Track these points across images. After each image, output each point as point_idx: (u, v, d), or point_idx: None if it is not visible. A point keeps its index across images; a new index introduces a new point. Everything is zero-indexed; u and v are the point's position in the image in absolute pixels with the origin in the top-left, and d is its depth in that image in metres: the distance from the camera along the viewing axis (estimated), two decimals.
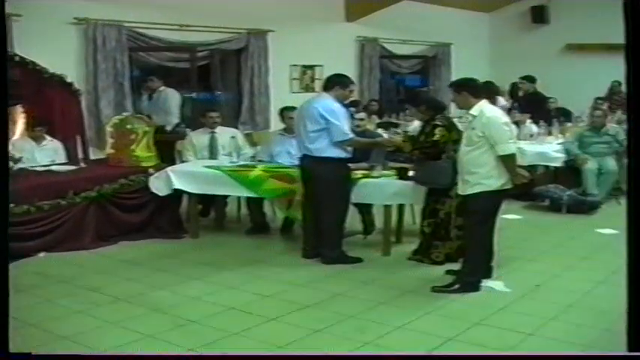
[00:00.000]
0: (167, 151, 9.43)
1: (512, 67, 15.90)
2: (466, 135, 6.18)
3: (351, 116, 7.68)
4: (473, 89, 6.17)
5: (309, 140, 6.90)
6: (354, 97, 7.97)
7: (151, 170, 8.18)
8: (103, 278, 6.57)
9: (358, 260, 7.15)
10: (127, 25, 10.10)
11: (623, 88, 14.12)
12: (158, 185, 8.02)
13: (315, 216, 7.19)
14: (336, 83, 7.02)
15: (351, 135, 6.96)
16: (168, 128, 10.14)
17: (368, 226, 8.17)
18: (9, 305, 3.56)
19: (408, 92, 16.54)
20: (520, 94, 13.41)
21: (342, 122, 6.88)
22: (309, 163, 7.03)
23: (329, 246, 7.14)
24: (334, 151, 6.89)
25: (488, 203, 6.09)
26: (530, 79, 13.23)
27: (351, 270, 6.89)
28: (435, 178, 6.82)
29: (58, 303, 5.84)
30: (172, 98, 10.40)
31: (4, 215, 3.66)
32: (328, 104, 6.86)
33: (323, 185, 6.97)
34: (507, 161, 5.98)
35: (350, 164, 7.25)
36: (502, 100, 12.92)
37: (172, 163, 8.91)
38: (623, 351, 4.12)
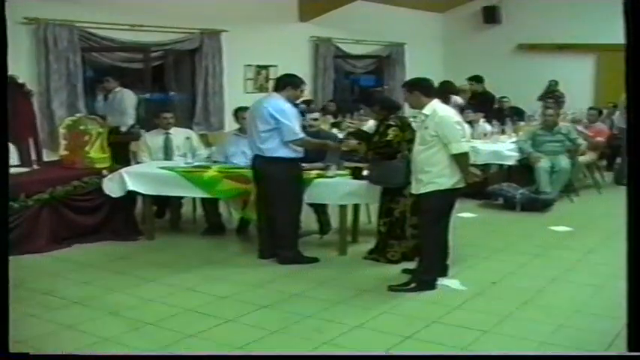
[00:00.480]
0: (121, 152, 9.36)
1: (465, 67, 16.03)
2: (419, 134, 6.21)
3: (302, 115, 7.67)
4: (425, 89, 6.21)
5: (260, 140, 6.90)
6: (306, 96, 7.98)
7: (104, 172, 8.09)
8: (56, 281, 6.49)
9: (314, 260, 7.15)
10: (78, 25, 9.97)
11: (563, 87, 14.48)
12: (112, 187, 7.94)
13: (269, 216, 7.19)
14: (287, 83, 7.03)
15: (302, 135, 6.96)
16: (124, 129, 10.05)
17: (324, 226, 8.17)
18: (9, 306, 3.65)
19: (363, 92, 16.60)
20: (467, 95, 13.52)
21: (293, 122, 6.88)
22: (260, 164, 7.02)
23: (284, 246, 7.13)
24: (285, 151, 6.90)
25: (442, 202, 6.12)
26: (478, 79, 13.38)
27: (307, 270, 6.89)
28: (389, 177, 6.83)
29: (10, 307, 5.75)
30: (128, 99, 10.31)
31: (3, 215, 3.73)
32: (279, 104, 6.86)
33: (275, 185, 6.97)
34: (460, 160, 6.02)
35: (305, 164, 7.28)
36: (458, 99, 13.02)
37: (127, 164, 8.83)
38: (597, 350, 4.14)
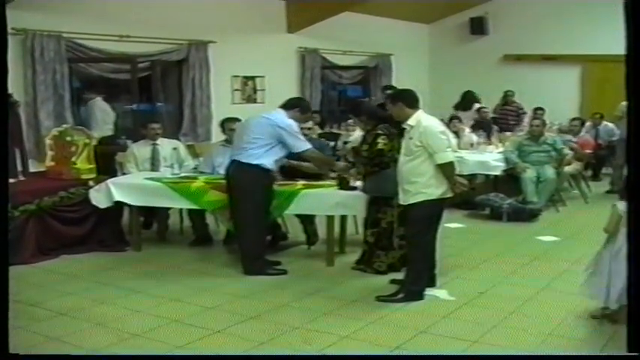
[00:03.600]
0: (107, 163, 9.32)
1: (451, 77, 16.15)
2: (404, 145, 6.21)
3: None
4: (408, 100, 6.20)
5: (247, 147, 6.95)
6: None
7: (91, 183, 8.07)
8: (43, 293, 6.45)
9: (282, 272, 7.15)
10: (65, 35, 9.94)
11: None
12: (98, 198, 7.92)
13: (235, 224, 7.27)
14: (297, 105, 7.24)
15: (310, 145, 7.14)
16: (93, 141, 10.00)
17: (311, 237, 8.16)
18: (9, 306, 3.64)
19: (350, 102, 16.58)
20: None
21: (299, 135, 7.07)
22: (232, 170, 7.09)
23: (248, 257, 7.15)
24: (267, 161, 6.97)
25: (429, 212, 6.12)
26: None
27: (294, 281, 6.88)
28: (383, 187, 6.77)
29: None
30: (98, 110, 10.33)
31: (3, 216, 3.76)
32: (284, 119, 7.03)
33: (241, 193, 7.03)
34: (446, 169, 6.03)
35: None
36: (478, 106, 13.28)
37: (114, 175, 8.80)
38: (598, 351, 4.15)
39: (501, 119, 14.28)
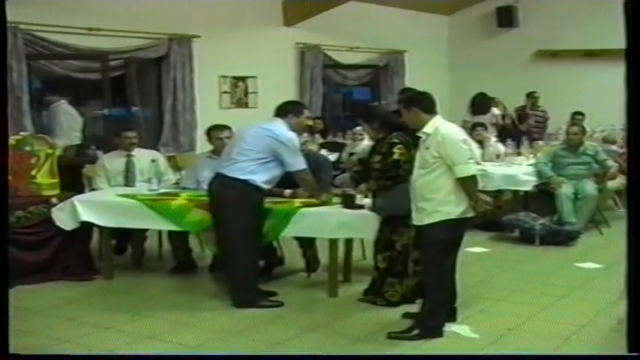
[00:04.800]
0: (73, 177, 9.30)
1: (475, 77, 16.10)
2: (419, 156, 6.17)
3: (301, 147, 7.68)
4: (423, 104, 6.16)
5: (236, 159, 6.96)
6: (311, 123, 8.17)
7: (54, 200, 8.04)
8: None
9: (277, 305, 7.12)
10: (23, 27, 9.93)
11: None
12: (63, 218, 7.89)
13: (221, 251, 7.28)
14: (288, 111, 7.21)
15: (306, 166, 7.18)
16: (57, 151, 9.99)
17: (311, 263, 8.11)
18: (9, 306, 3.92)
19: (360, 106, 16.58)
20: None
21: (298, 152, 7.11)
22: (215, 186, 7.12)
23: (238, 287, 7.13)
24: (259, 177, 6.96)
25: (448, 234, 6.06)
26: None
27: (292, 314, 6.84)
28: (399, 203, 6.65)
29: None
30: (64, 115, 10.32)
31: (3, 218, 4.06)
32: (284, 132, 7.03)
33: (226, 212, 7.01)
34: (467, 184, 5.97)
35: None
36: (495, 110, 13.45)
37: (81, 191, 8.79)
38: None
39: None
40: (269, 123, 7.16)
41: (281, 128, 7.04)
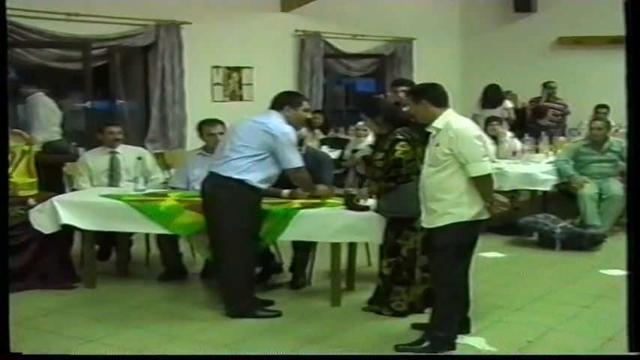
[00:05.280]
0: (53, 176, 9.31)
1: (489, 68, 16.09)
2: (429, 153, 6.16)
3: (300, 142, 7.66)
4: (434, 97, 6.16)
5: (229, 156, 6.96)
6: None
7: (31, 201, 8.05)
8: None
9: (275, 314, 7.13)
10: None
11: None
12: (41, 220, 7.88)
13: (214, 256, 7.30)
14: (284, 102, 7.20)
15: (302, 164, 7.17)
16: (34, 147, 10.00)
17: (297, 277, 8.06)
18: (9, 305, 4.10)
19: (363, 99, 16.57)
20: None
21: (295, 147, 7.10)
22: (208, 186, 7.12)
23: (233, 295, 7.13)
24: (253, 177, 6.95)
25: (461, 238, 6.05)
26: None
27: (291, 325, 6.85)
28: (404, 205, 6.70)
29: None
30: (42, 108, 10.32)
31: (4, 215, 4.25)
32: (281, 126, 7.02)
33: (220, 214, 7.01)
34: (482, 184, 5.96)
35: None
36: (508, 104, 13.69)
37: (61, 191, 8.80)
38: None
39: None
40: (264, 116, 7.15)
41: (276, 121, 7.04)
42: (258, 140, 6.96)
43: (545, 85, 14.88)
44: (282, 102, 7.21)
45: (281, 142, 6.95)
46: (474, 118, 11.46)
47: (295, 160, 7.08)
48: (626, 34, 3.59)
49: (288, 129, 7.03)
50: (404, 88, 8.63)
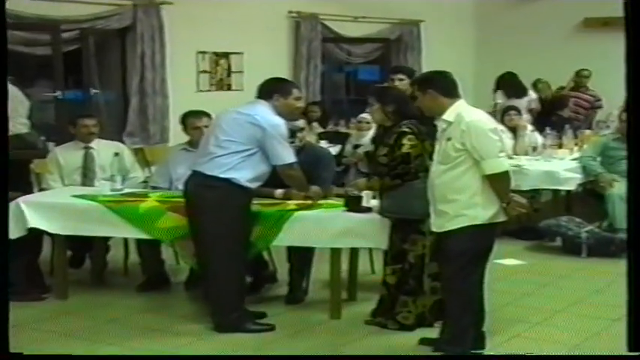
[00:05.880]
0: (19, 174, 9.31)
1: (505, 53, 16.05)
2: (439, 149, 6.17)
3: (292, 135, 7.64)
4: (443, 86, 6.18)
5: (214, 153, 6.95)
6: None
7: None
8: None
9: (267, 328, 7.13)
10: None
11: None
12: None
13: (200, 263, 7.28)
14: (273, 90, 7.16)
15: (294, 159, 7.12)
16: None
17: (294, 290, 8.02)
18: (9, 305, 4.32)
19: (368, 87, 16.50)
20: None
21: (285, 141, 7.06)
22: (193, 186, 7.10)
23: (220, 307, 7.13)
24: (241, 175, 6.94)
25: (474, 243, 6.08)
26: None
27: (285, 340, 6.87)
28: (410, 206, 6.72)
29: None
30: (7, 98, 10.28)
31: (3, 214, 4.54)
32: (270, 117, 6.99)
33: (206, 217, 7.01)
34: (498, 183, 5.99)
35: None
36: (533, 94, 13.75)
37: (28, 191, 8.80)
38: None
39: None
40: (250, 106, 7.15)
41: (263, 112, 7.01)
42: (246, 134, 6.93)
43: (577, 74, 14.86)
44: (270, 90, 7.18)
45: (270, 135, 6.92)
46: (494, 109, 11.50)
47: (286, 156, 7.04)
48: (626, 34, 3.68)
49: (278, 120, 7.01)
50: (401, 76, 8.68)
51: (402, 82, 8.62)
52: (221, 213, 6.94)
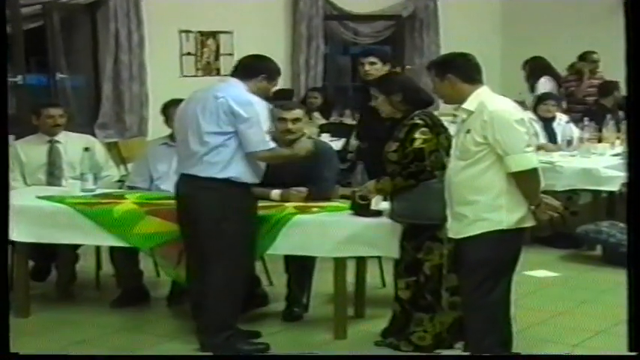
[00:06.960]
0: None
1: (536, 32, 16.05)
2: (457, 143, 6.18)
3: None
4: (463, 70, 6.18)
5: (200, 150, 6.93)
6: (282, 84, 7.99)
7: None
8: None
9: (261, 348, 7.16)
10: None
11: None
12: None
13: (193, 275, 7.28)
14: (258, 71, 7.13)
15: (273, 144, 6.99)
16: None
17: (291, 305, 8.04)
18: (9, 305, 4.62)
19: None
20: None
21: (262, 124, 6.92)
22: (191, 189, 7.07)
23: (211, 325, 7.11)
24: (239, 170, 6.93)
25: (498, 251, 6.07)
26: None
27: None
28: (425, 209, 6.71)
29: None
30: None
31: (4, 214, 4.90)
32: (242, 95, 6.93)
33: (207, 225, 7.00)
34: (525, 181, 5.98)
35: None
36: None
37: None
38: None
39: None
40: (225, 87, 7.11)
41: (236, 89, 6.97)
42: (224, 119, 6.85)
43: (586, 58, 14.79)
44: (258, 69, 7.15)
45: (245, 119, 6.81)
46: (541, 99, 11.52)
47: (263, 142, 6.88)
48: (625, 34, 3.76)
49: (254, 99, 6.92)
50: (373, 59, 8.62)
51: (373, 67, 8.53)
52: (225, 218, 6.93)
